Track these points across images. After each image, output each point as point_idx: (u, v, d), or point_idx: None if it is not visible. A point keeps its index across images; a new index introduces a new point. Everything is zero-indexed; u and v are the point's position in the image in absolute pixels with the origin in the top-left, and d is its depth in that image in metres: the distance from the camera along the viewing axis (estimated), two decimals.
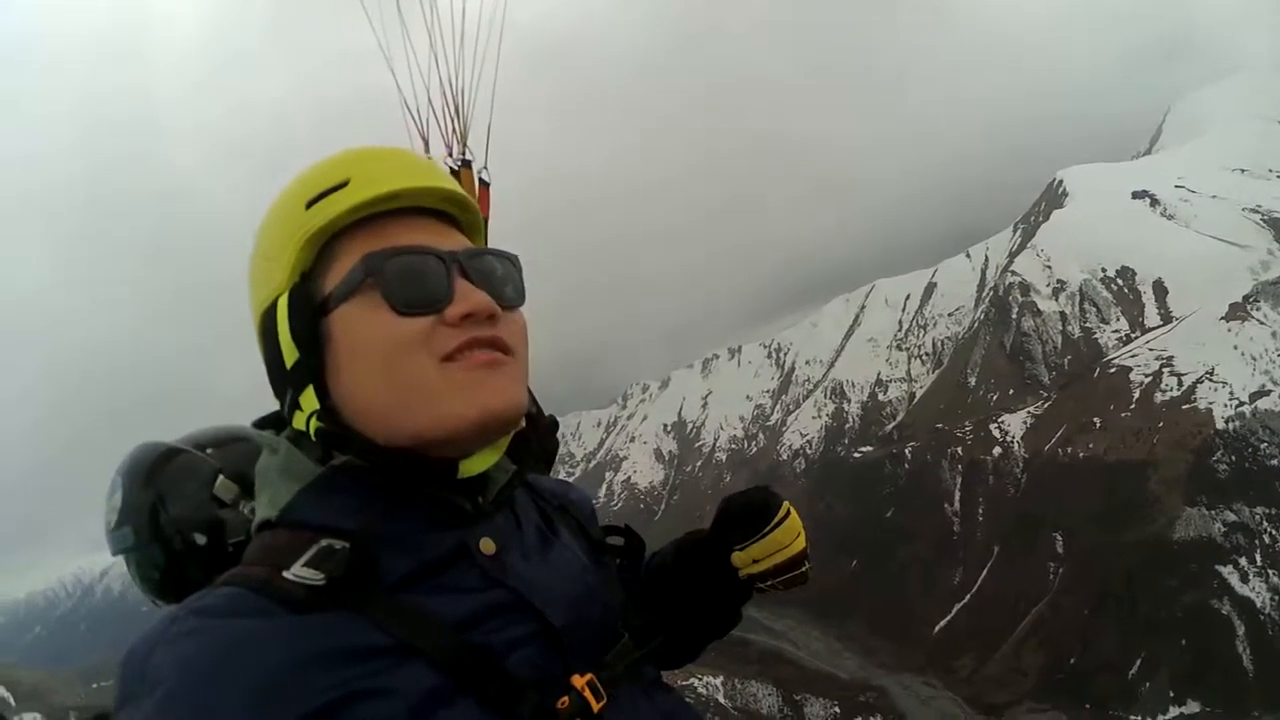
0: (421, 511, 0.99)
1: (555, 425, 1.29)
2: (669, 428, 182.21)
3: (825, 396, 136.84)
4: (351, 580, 0.90)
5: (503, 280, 1.04)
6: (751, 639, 76.91)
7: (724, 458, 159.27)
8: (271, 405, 1.08)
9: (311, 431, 0.98)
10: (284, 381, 1.01)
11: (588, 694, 0.97)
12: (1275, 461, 61.85)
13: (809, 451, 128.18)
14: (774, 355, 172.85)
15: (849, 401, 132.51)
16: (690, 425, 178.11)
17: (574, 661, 1.00)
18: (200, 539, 1.62)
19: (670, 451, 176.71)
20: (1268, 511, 60.06)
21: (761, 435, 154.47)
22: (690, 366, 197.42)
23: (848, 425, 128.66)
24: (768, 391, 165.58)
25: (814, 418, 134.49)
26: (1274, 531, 59.28)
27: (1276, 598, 55.91)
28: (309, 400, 0.99)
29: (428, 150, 2.76)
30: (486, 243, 1.13)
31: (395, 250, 0.97)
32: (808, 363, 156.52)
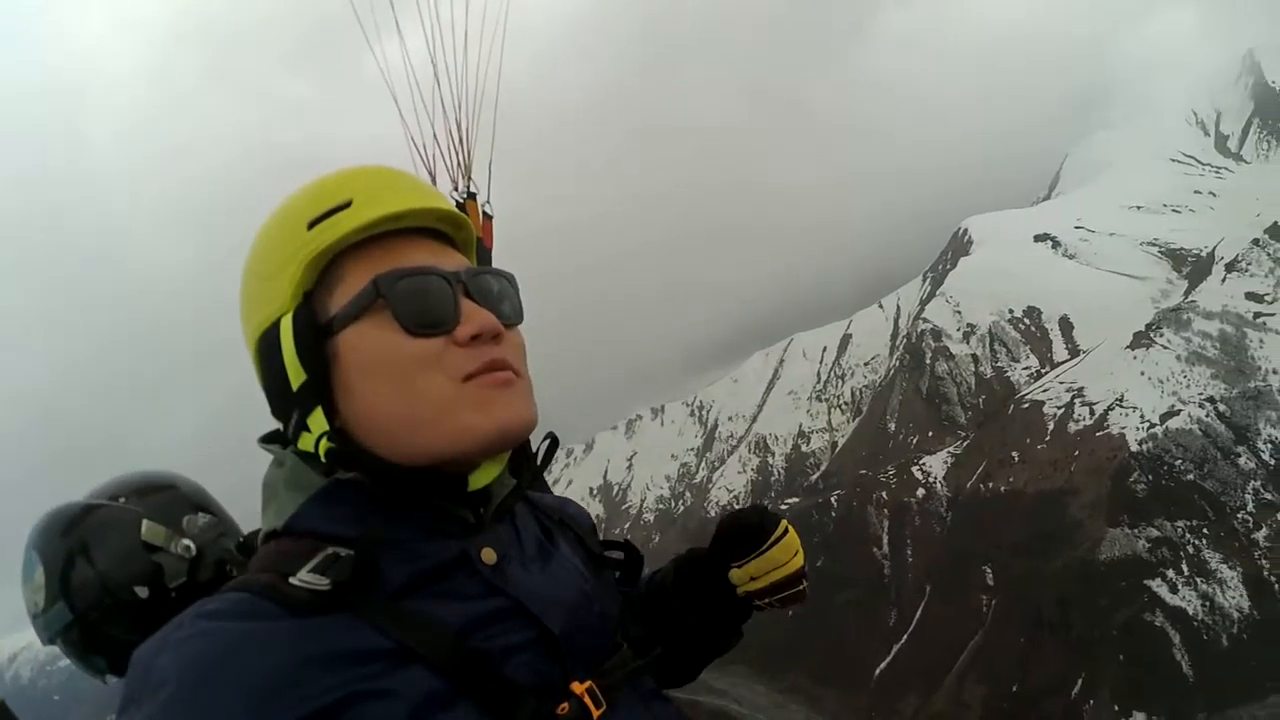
0: (424, 521, 1.01)
1: (555, 443, 1.30)
2: (595, 491, 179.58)
3: (749, 451, 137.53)
4: (355, 586, 0.91)
5: (500, 298, 1.05)
6: (700, 700, 75.19)
7: (651, 518, 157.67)
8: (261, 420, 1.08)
9: (322, 453, 0.98)
10: (289, 403, 1.00)
11: (587, 700, 0.99)
12: (1191, 476, 64.75)
13: (737, 506, 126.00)
14: (697, 413, 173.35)
15: (773, 454, 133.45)
16: (616, 487, 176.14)
17: (573, 669, 1.01)
18: (142, 591, 1.55)
19: (597, 515, 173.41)
20: (1189, 524, 62.57)
21: (688, 494, 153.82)
22: (614, 428, 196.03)
23: (773, 478, 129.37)
24: (692, 449, 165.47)
25: (739, 473, 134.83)
26: (1197, 542, 61.68)
27: (1207, 604, 57.87)
28: (318, 421, 0.99)
29: (434, 183, 2.84)
30: (475, 263, 1.13)
31: (404, 272, 0.98)
32: (730, 418, 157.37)
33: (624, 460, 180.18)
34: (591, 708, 0.99)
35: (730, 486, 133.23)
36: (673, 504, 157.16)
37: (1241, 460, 64.59)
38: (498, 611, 0.98)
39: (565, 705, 0.96)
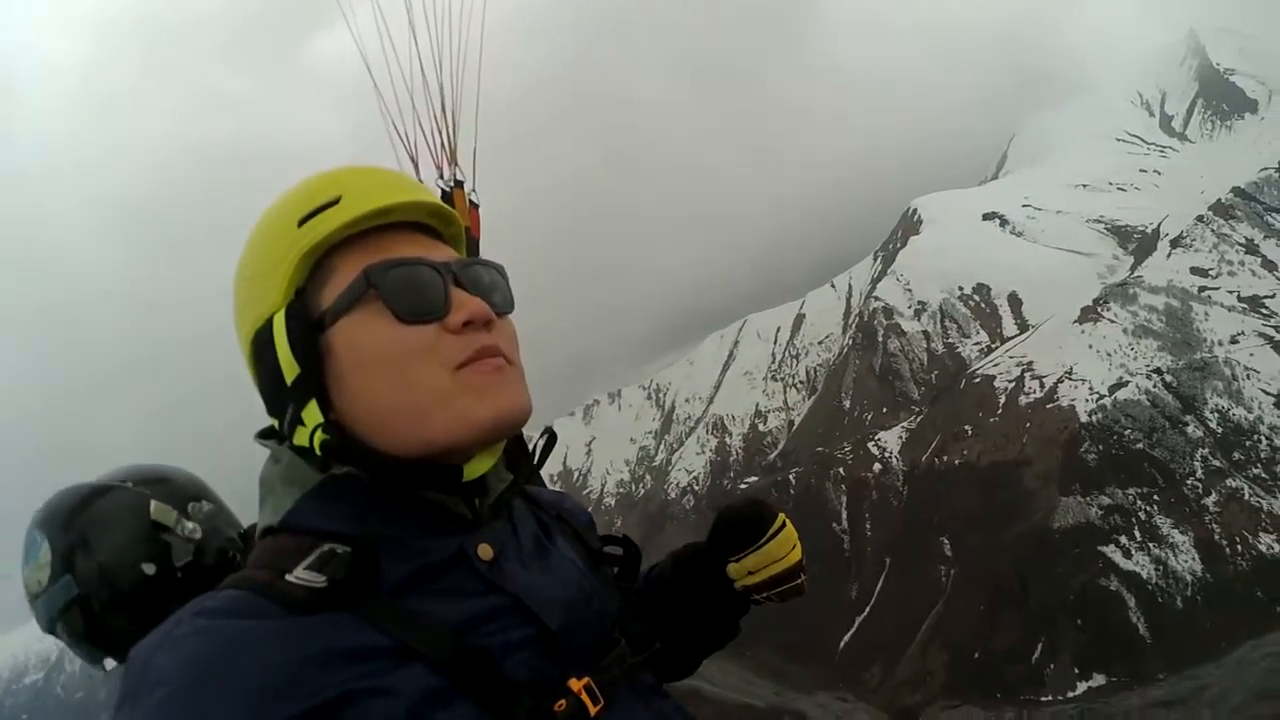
0: (421, 517, 1.01)
1: (554, 438, 1.32)
2: (555, 478, 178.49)
3: (707, 432, 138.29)
4: (352, 583, 0.91)
5: (491, 288, 1.06)
6: (668, 684, 75.84)
7: (612, 503, 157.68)
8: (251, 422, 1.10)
9: (316, 445, 0.98)
10: (284, 399, 1.01)
11: (584, 697, 0.98)
12: (1140, 445, 66.99)
13: (696, 488, 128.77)
14: (654, 396, 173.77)
15: (730, 435, 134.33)
16: (576, 473, 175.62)
17: (571, 665, 1.01)
18: (149, 568, 1.57)
19: None
20: (1140, 491, 64.83)
21: (648, 477, 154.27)
22: (571, 414, 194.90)
23: (732, 458, 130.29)
24: (650, 433, 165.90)
25: (698, 454, 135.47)
26: (1148, 508, 63.98)
27: (1160, 568, 60.13)
28: (312, 415, 0.99)
29: (418, 172, 2.78)
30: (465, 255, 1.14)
31: (394, 262, 1.00)
32: (687, 400, 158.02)
33: (583, 446, 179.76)
34: (589, 704, 0.98)
35: (689, 468, 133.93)
36: (633, 487, 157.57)
37: (1189, 429, 66.81)
38: (495, 609, 0.98)
39: (563, 702, 0.97)
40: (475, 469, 1.05)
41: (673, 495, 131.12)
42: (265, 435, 1.09)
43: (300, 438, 1.01)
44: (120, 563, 1.55)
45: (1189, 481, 64.51)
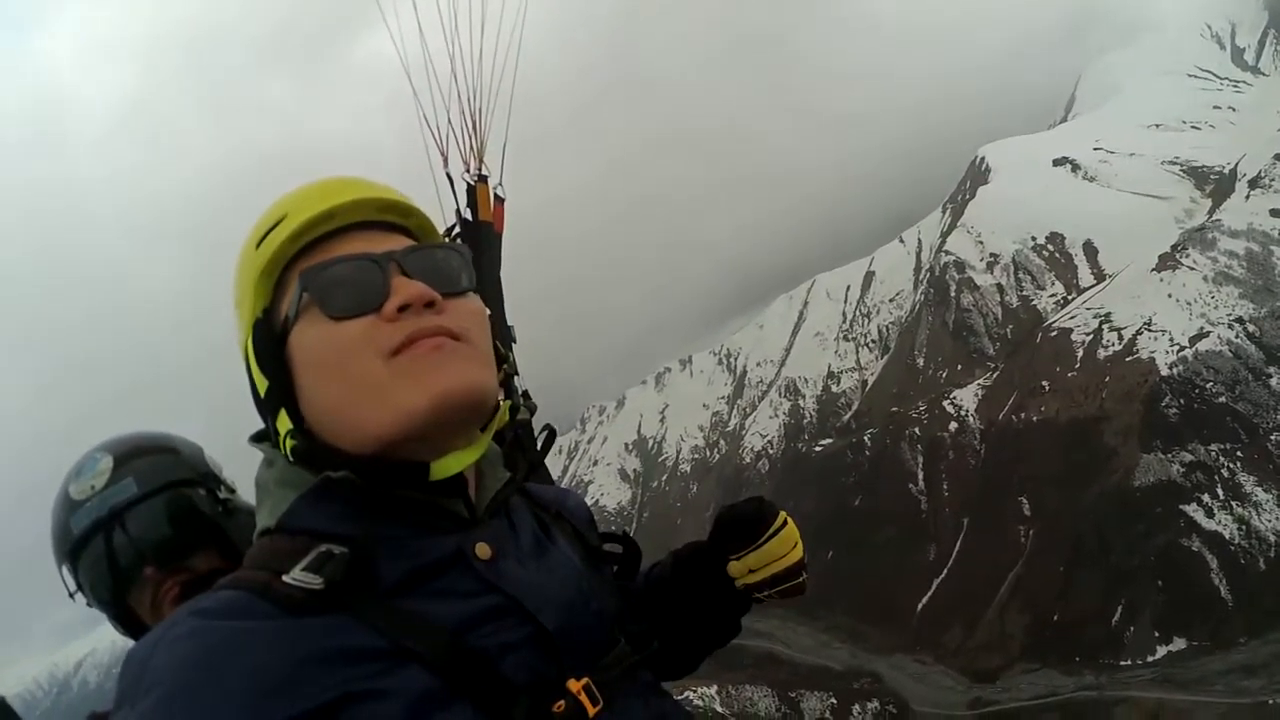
0: (417, 517, 1.00)
1: (553, 435, 1.33)
2: (630, 446, 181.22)
3: (780, 395, 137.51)
4: (349, 584, 0.91)
5: (445, 269, 1.05)
6: (743, 644, 76.85)
7: (688, 469, 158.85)
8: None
9: (287, 451, 1.00)
10: (263, 410, 1.05)
11: (583, 698, 0.98)
12: (1223, 399, 64.28)
13: (771, 451, 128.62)
14: (725, 361, 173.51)
15: (804, 397, 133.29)
16: (651, 441, 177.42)
17: (569, 665, 1.00)
18: (200, 491, 1.72)
19: (634, 470, 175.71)
20: (1222, 447, 62.35)
21: (722, 442, 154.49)
22: (644, 383, 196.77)
23: (805, 421, 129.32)
24: (723, 398, 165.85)
25: (771, 418, 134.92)
26: (1231, 465, 61.56)
27: (1243, 528, 58.01)
28: (283, 423, 1.01)
29: (446, 165, 2.83)
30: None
31: (327, 262, 1.00)
32: (759, 364, 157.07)
33: (656, 414, 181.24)
34: (588, 705, 0.98)
35: (763, 432, 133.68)
36: (708, 453, 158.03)
37: (1274, 381, 63.86)
38: (493, 609, 0.97)
39: (561, 703, 0.96)
40: (447, 466, 1.01)
41: (748, 460, 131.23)
42: (258, 438, 1.10)
43: (282, 447, 1.02)
44: (175, 477, 1.69)
45: (1273, 437, 61.69)
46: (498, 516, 1.09)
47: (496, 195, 2.86)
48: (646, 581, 1.45)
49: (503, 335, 2.62)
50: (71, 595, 1.74)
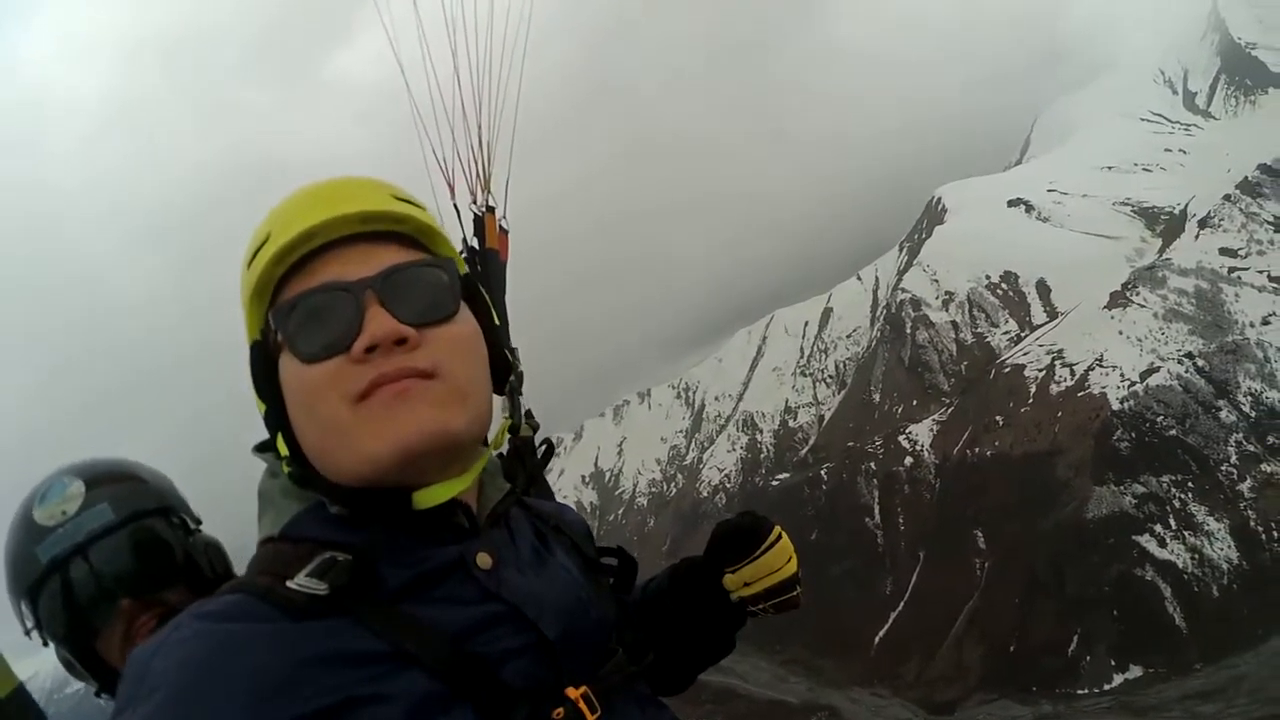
0: (419, 526, 1.00)
1: (551, 449, 1.37)
2: (587, 479, 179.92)
3: (737, 430, 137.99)
4: (352, 590, 0.91)
5: (427, 292, 1.01)
6: (704, 680, 75.44)
7: (645, 502, 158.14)
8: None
9: (285, 474, 1.02)
10: (266, 431, 1.05)
11: (582, 705, 0.99)
12: (1173, 431, 65.76)
13: (728, 485, 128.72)
14: (683, 394, 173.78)
15: (761, 432, 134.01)
16: (608, 474, 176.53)
17: (568, 673, 1.01)
18: (174, 519, 1.64)
19: (591, 503, 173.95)
20: (1174, 478, 63.75)
21: (680, 475, 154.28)
22: (602, 415, 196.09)
23: (763, 455, 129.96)
24: (680, 431, 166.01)
25: (729, 451, 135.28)
26: (1182, 496, 62.89)
27: (1196, 556, 59.08)
28: (281, 446, 1.02)
29: (453, 196, 2.88)
30: (461, 260, 1.13)
31: (296, 299, 0.97)
32: (717, 398, 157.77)
33: (614, 446, 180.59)
34: (586, 712, 0.99)
35: (721, 465, 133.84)
36: (665, 486, 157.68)
37: (1223, 414, 65.51)
38: (494, 616, 0.98)
39: (560, 710, 0.97)
40: (434, 495, 1.00)
41: (705, 494, 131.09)
42: (262, 449, 1.09)
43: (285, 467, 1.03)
44: (151, 505, 1.58)
45: (1223, 468, 63.17)
46: (498, 527, 1.09)
47: (501, 227, 2.90)
48: (643, 595, 1.45)
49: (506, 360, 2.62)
50: (28, 632, 1.59)
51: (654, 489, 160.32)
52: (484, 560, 1.02)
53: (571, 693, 0.99)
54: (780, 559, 1.34)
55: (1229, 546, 59.02)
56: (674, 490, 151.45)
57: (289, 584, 0.90)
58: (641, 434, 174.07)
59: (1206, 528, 60.25)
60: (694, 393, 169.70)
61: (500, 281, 2.80)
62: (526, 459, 1.21)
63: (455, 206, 2.89)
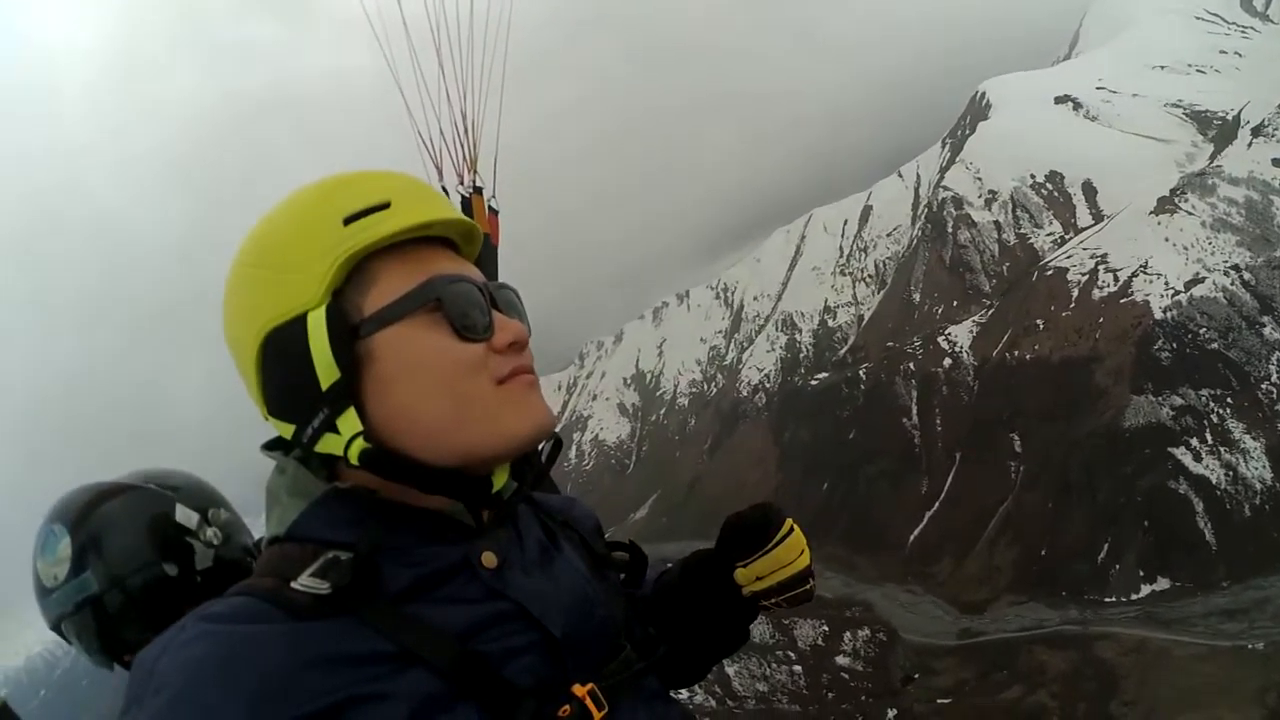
0: (425, 526, 1.01)
1: (559, 445, 1.38)
2: (629, 380, 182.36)
3: (777, 329, 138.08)
4: (356, 590, 0.91)
5: (520, 310, 1.09)
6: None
7: (686, 402, 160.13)
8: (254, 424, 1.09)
9: (353, 455, 0.97)
10: (311, 404, 0.98)
11: (589, 703, 0.99)
12: (1215, 345, 65.05)
13: (768, 385, 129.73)
14: (722, 295, 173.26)
15: (800, 331, 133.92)
16: (649, 375, 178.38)
17: (575, 671, 1.02)
18: (170, 569, 1.57)
19: (633, 404, 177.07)
20: (1212, 393, 63.34)
21: (719, 375, 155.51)
22: (641, 317, 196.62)
23: (802, 355, 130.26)
24: (720, 332, 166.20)
25: (768, 351, 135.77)
26: (1221, 411, 62.63)
27: (1230, 473, 59.31)
28: (350, 423, 0.98)
29: (440, 178, 2.86)
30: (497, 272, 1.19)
31: (453, 277, 1.01)
32: (755, 298, 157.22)
33: (654, 348, 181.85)
34: (593, 709, 0.99)
35: (760, 365, 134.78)
36: (705, 387, 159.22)
37: (1266, 330, 64.54)
38: (499, 614, 0.99)
39: (567, 708, 0.97)
40: (498, 480, 1.06)
41: (744, 393, 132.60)
42: (270, 447, 1.09)
43: (329, 445, 0.99)
44: (140, 562, 1.54)
45: (1264, 386, 62.65)
46: (504, 526, 1.10)
47: (491, 208, 2.88)
48: (655, 588, 1.46)
49: None
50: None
51: (694, 389, 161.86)
52: (489, 560, 1.02)
53: (578, 690, 0.99)
54: (792, 552, 1.32)
55: (1264, 466, 59.04)
56: (714, 390, 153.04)
57: (293, 585, 0.91)
58: (681, 335, 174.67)
59: (1243, 445, 60.19)
60: (733, 293, 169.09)
61: (492, 267, 2.77)
62: (533, 456, 1.21)
63: (444, 189, 2.85)
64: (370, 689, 0.86)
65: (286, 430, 1.03)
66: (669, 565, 1.50)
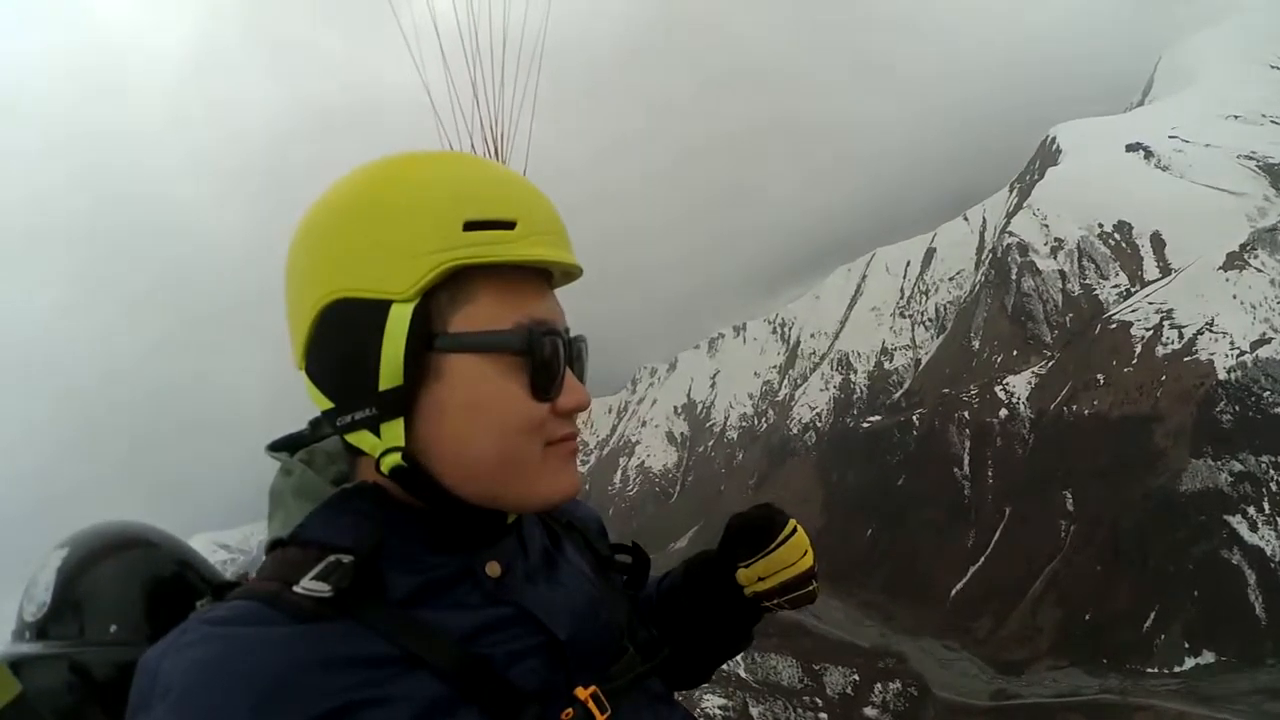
0: (430, 534, 1.00)
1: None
2: (679, 409, 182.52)
3: (832, 368, 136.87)
4: (358, 593, 0.91)
5: (584, 365, 1.05)
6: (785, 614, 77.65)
7: (735, 436, 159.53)
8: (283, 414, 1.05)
9: (386, 466, 0.95)
10: (361, 395, 0.94)
11: (591, 706, 0.99)
12: (1279, 409, 62.10)
13: (819, 424, 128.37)
14: (779, 330, 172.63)
15: (855, 372, 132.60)
16: (700, 405, 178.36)
17: (578, 674, 1.01)
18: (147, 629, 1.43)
19: (682, 433, 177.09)
20: (1274, 459, 60.43)
21: (771, 411, 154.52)
22: (697, 347, 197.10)
23: (855, 396, 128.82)
24: (775, 367, 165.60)
25: (822, 390, 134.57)
26: None
27: None
28: (394, 434, 0.94)
29: None
30: None
31: (547, 328, 0.97)
32: (812, 335, 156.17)
33: (707, 379, 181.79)
34: (596, 713, 0.98)
35: (813, 404, 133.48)
36: (756, 421, 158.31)
37: None
38: (502, 619, 0.98)
39: (570, 711, 0.97)
40: (512, 516, 1.06)
41: (795, 431, 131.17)
42: (276, 447, 1.08)
43: (362, 441, 0.97)
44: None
45: None
46: (508, 534, 1.08)
47: None
48: (658, 590, 1.45)
49: None
50: None
51: (744, 423, 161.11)
52: (493, 569, 1.01)
53: (581, 693, 0.99)
54: (795, 553, 1.31)
55: None
56: (765, 426, 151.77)
57: (295, 588, 0.90)
58: (735, 367, 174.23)
59: None
60: (790, 329, 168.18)
61: None
62: None
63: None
64: (373, 692, 0.85)
65: (320, 400, 0.99)
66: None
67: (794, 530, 1.32)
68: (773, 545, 1.31)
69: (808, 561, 1.32)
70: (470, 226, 0.93)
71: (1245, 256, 73.19)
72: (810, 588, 1.33)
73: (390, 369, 0.93)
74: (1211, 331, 69.82)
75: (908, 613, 79.79)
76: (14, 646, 1.38)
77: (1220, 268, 74.39)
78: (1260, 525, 57.74)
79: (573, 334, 1.04)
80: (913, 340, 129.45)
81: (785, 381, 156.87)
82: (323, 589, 0.90)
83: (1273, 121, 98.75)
